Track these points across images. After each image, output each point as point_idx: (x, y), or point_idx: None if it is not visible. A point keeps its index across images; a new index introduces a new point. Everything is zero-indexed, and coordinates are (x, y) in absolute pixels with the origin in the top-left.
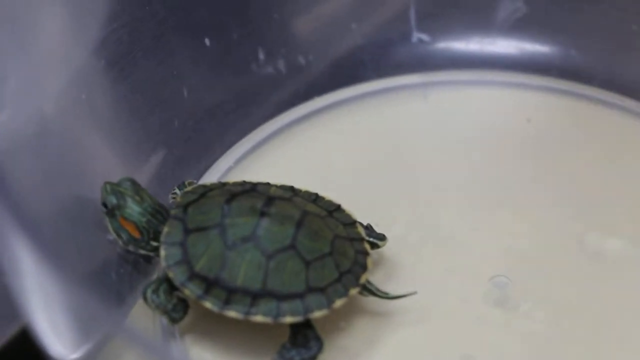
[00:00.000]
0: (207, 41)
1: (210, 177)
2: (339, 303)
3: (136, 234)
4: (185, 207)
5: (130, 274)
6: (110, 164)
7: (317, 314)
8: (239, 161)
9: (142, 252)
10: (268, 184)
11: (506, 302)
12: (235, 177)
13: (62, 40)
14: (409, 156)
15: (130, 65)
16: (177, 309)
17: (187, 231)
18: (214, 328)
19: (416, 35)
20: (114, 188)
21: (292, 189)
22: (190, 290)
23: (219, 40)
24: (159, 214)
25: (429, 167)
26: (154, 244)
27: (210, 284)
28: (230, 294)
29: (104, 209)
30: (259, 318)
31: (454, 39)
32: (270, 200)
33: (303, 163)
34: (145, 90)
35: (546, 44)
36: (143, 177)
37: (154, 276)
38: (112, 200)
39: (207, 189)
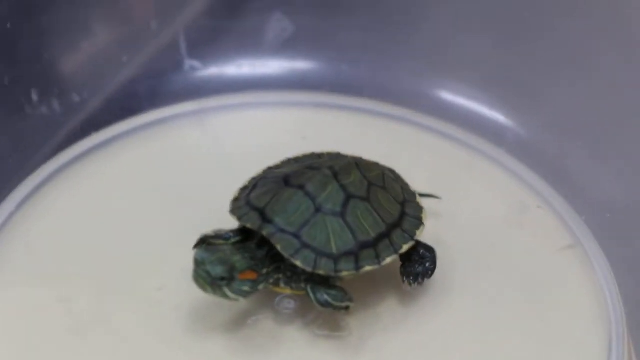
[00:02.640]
0: None
1: None
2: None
3: (254, 276)
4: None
5: None
6: None
7: (419, 233)
8: (21, 205)
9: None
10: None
11: None
12: (18, 221)
13: None
14: (189, 185)
15: None
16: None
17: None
18: None
19: (188, 63)
20: (213, 258)
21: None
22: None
23: None
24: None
25: (213, 192)
26: (269, 268)
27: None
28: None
29: (221, 282)
30: (389, 259)
31: (226, 63)
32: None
33: (87, 200)
34: None
35: (316, 61)
36: None
37: None
38: (221, 270)
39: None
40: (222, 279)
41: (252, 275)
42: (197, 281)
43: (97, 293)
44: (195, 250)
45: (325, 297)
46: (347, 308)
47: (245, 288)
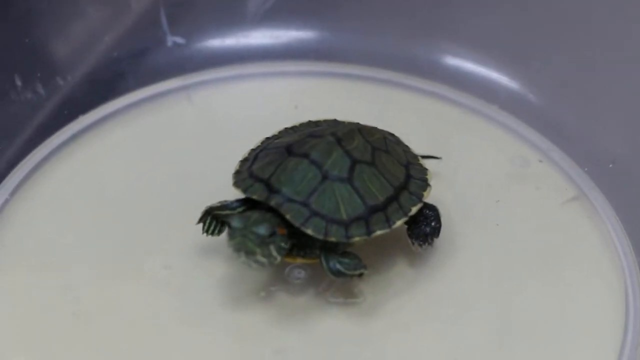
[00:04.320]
0: None
1: None
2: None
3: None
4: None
5: None
6: None
7: (427, 194)
8: (14, 192)
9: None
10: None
11: None
12: (13, 209)
13: None
14: (184, 161)
15: None
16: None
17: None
18: None
19: (171, 39)
20: (251, 220)
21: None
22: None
23: None
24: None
25: (210, 167)
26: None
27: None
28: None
29: (269, 240)
30: (399, 222)
31: (209, 37)
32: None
33: (82, 183)
34: None
35: (300, 29)
36: None
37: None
38: (265, 227)
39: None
40: (270, 235)
41: (283, 230)
42: (244, 245)
43: (102, 277)
44: (231, 220)
45: (338, 266)
46: (360, 275)
47: (283, 244)
